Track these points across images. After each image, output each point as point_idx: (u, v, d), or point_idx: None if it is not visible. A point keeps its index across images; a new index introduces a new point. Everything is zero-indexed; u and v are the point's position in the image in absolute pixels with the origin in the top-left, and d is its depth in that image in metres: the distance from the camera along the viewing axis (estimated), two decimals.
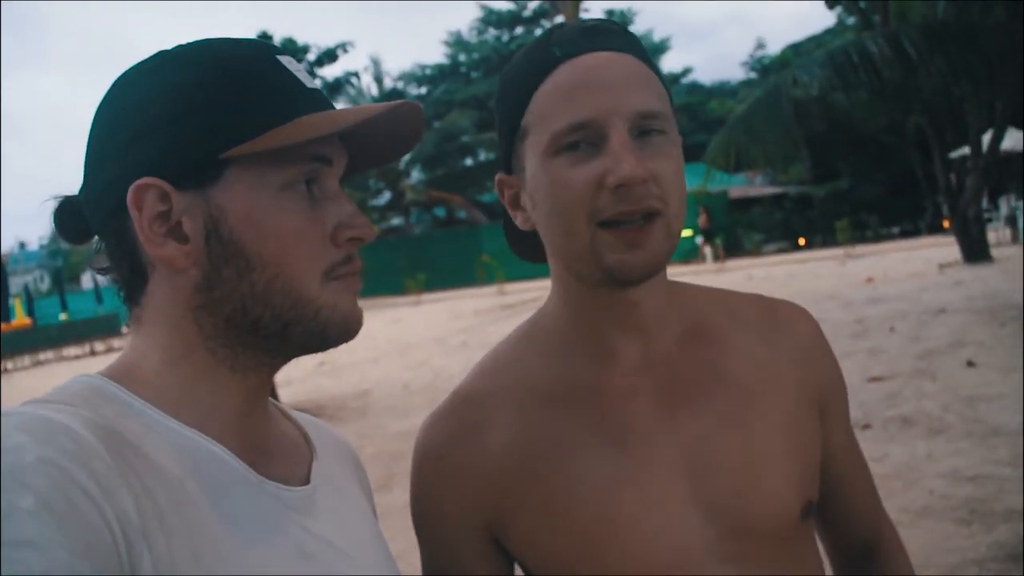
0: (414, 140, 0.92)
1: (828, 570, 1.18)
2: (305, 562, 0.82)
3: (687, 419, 1.02)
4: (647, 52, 1.01)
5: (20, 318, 28.23)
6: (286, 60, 0.85)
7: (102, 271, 0.87)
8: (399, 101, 0.84)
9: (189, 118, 0.79)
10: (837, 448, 1.13)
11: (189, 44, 0.85)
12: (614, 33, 0.99)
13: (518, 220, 1.05)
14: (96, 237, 0.87)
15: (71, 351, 24.87)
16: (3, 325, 23.82)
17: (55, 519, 0.62)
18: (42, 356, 24.29)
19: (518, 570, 1.10)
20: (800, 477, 1.03)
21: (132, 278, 0.84)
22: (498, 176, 1.06)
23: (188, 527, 0.73)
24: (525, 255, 1.18)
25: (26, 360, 23.76)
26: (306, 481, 0.90)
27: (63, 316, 33.02)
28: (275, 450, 0.90)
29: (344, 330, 0.85)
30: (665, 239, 0.95)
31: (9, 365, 23.01)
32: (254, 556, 0.77)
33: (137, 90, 0.82)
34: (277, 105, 0.81)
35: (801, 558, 1.06)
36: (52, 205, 0.88)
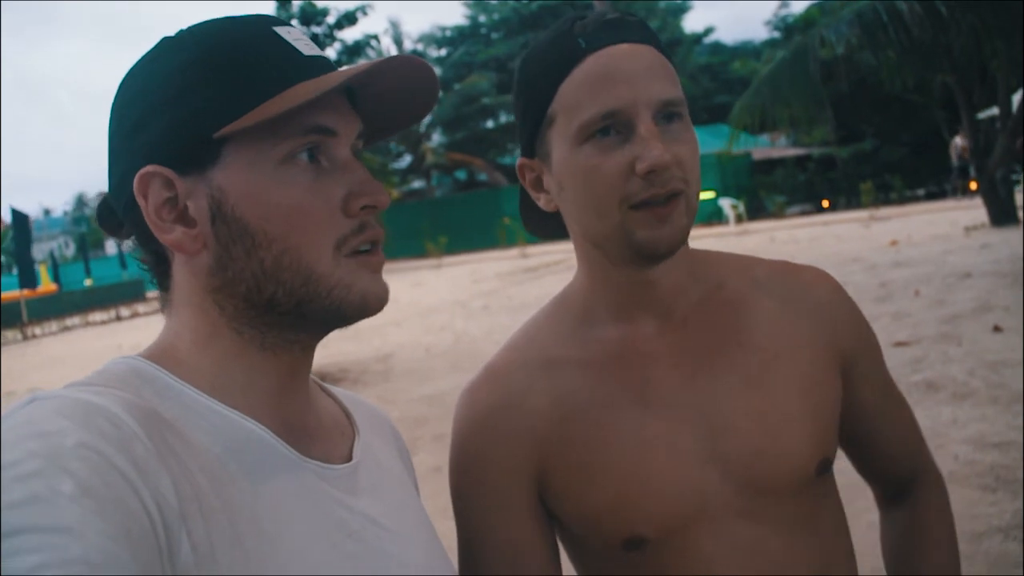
0: (431, 99, 0.90)
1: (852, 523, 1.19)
2: (348, 540, 0.82)
3: (706, 380, 1.08)
4: (661, 41, 1.07)
5: (46, 284, 28.57)
6: (284, 30, 0.83)
7: (140, 261, 0.88)
8: (394, 56, 0.82)
9: (181, 101, 0.79)
10: (868, 404, 1.18)
11: (188, 27, 0.84)
12: (634, 25, 1.04)
13: (541, 202, 1.11)
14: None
15: (97, 316, 25.14)
16: (29, 291, 24.10)
17: (94, 504, 0.62)
18: (68, 322, 24.58)
19: None
20: (815, 435, 1.08)
21: (157, 265, 0.85)
22: (520, 161, 1.12)
23: (228, 508, 0.73)
24: (538, 233, 1.25)
25: (53, 326, 24.04)
26: (348, 459, 0.90)
27: (88, 282, 33.42)
28: (316, 428, 0.89)
29: (362, 308, 0.84)
30: (686, 215, 1.02)
31: (37, 331, 23.30)
32: (296, 535, 0.77)
33: (139, 79, 0.83)
34: (268, 78, 0.80)
35: (817, 512, 1.11)
36: (96, 199, 0.89)
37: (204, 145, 0.78)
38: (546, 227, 1.23)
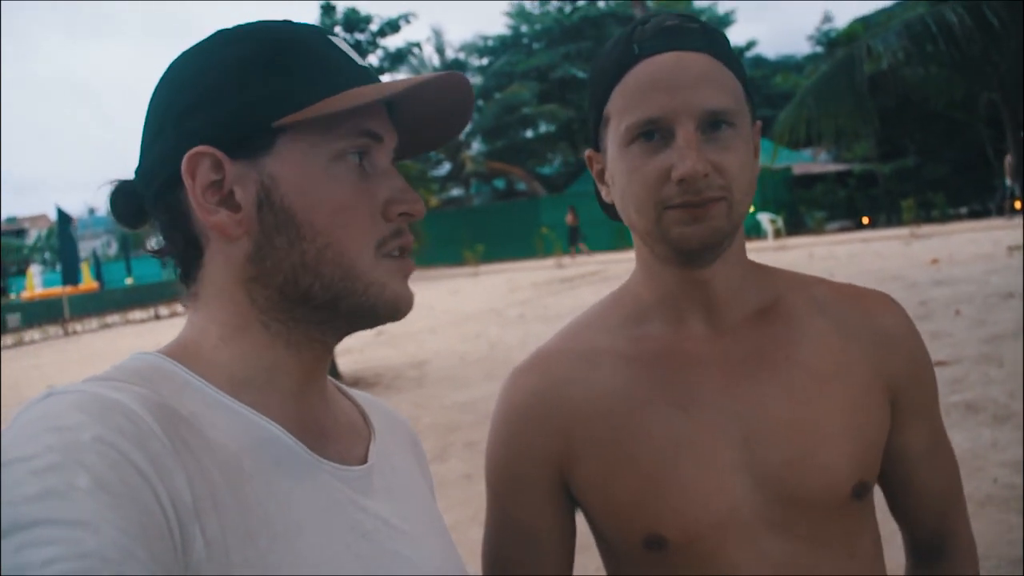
0: (466, 116, 0.93)
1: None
2: (362, 539, 0.82)
3: (748, 389, 1.08)
4: (727, 47, 1.08)
5: (88, 282, 28.99)
6: (338, 40, 0.87)
7: (156, 253, 0.88)
8: (446, 72, 0.84)
9: (242, 89, 0.81)
10: (913, 441, 1.16)
11: (245, 23, 0.86)
12: (694, 32, 1.05)
13: (603, 193, 1.16)
14: (152, 219, 0.88)
15: (136, 315, 25.49)
16: (71, 288, 24.47)
17: (110, 499, 0.62)
18: (108, 319, 24.93)
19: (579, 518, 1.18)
20: (854, 456, 1.07)
21: (187, 251, 0.85)
22: (588, 152, 1.17)
23: (242, 506, 0.73)
24: (615, 216, 1.26)
25: (94, 323, 24.40)
26: (364, 460, 0.90)
27: (129, 280, 33.88)
28: (333, 429, 0.90)
29: (394, 310, 0.86)
30: (725, 218, 1.03)
31: (78, 327, 23.65)
32: (309, 535, 0.77)
33: (194, 65, 0.84)
34: (328, 77, 0.83)
35: (850, 536, 1.09)
36: (108, 190, 0.89)
37: (260, 133, 0.80)
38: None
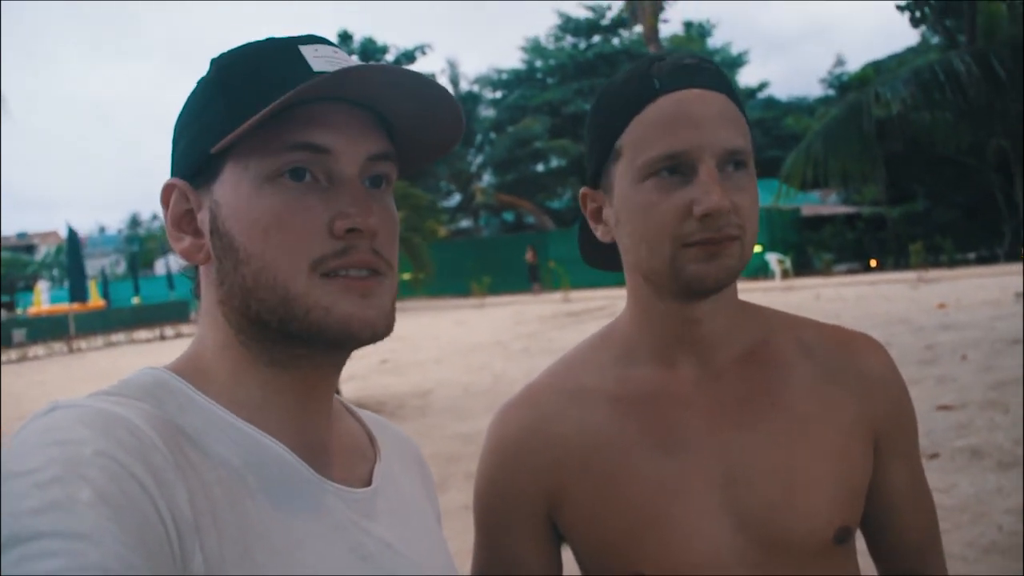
0: (456, 119, 0.87)
1: None
2: (361, 562, 0.82)
3: (733, 433, 1.08)
4: (736, 91, 1.08)
5: (95, 300, 29.06)
6: (311, 48, 0.83)
7: (184, 271, 0.92)
8: (369, 64, 0.78)
9: (197, 118, 0.84)
10: (894, 483, 1.15)
11: (231, 48, 0.88)
12: (710, 72, 1.05)
13: (599, 232, 1.13)
14: None
15: (141, 334, 25.52)
16: (78, 305, 24.54)
17: (112, 512, 0.62)
18: (114, 338, 24.97)
19: (566, 552, 1.17)
20: (837, 501, 1.07)
21: (196, 276, 0.89)
22: (583, 190, 1.15)
23: (242, 523, 0.73)
24: (594, 263, 1.30)
25: (99, 341, 24.43)
26: (368, 482, 0.90)
27: (136, 300, 33.96)
28: (337, 450, 0.90)
29: (346, 333, 0.80)
30: (738, 257, 1.03)
31: (83, 344, 23.66)
32: (309, 554, 0.77)
33: (188, 98, 0.88)
34: (263, 94, 0.79)
35: None
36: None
37: (208, 160, 0.82)
38: (600, 258, 1.27)
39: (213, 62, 0.86)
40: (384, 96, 0.82)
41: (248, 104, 0.79)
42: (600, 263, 1.28)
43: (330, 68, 0.81)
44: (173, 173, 0.86)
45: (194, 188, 0.84)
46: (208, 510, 0.71)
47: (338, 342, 0.81)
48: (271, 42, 0.85)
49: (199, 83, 0.86)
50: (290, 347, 0.82)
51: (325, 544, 0.79)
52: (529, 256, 29.70)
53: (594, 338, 1.21)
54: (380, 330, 0.82)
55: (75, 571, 0.58)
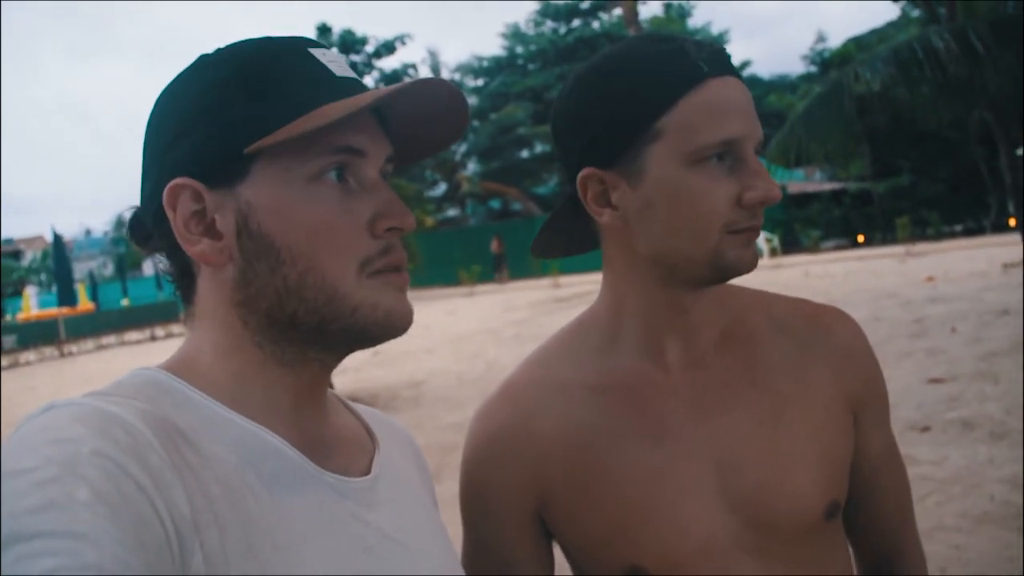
0: (461, 124, 0.90)
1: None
2: (364, 554, 0.82)
3: (719, 417, 1.08)
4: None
5: (84, 303, 28.90)
6: (319, 52, 0.85)
7: (166, 273, 0.89)
8: (421, 78, 0.81)
9: (214, 116, 0.81)
10: (871, 452, 1.17)
11: (225, 46, 0.86)
12: (732, 60, 1.05)
13: (604, 217, 1.06)
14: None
15: (132, 336, 25.44)
16: (67, 309, 24.45)
17: (109, 511, 0.62)
18: (104, 340, 24.90)
19: (557, 550, 1.17)
20: (825, 476, 1.08)
21: (183, 277, 0.86)
22: (587, 171, 1.05)
23: (243, 520, 0.73)
24: (545, 254, 1.22)
25: (89, 344, 24.35)
26: (367, 472, 0.90)
27: (125, 302, 33.83)
28: (335, 443, 0.90)
29: (388, 328, 0.84)
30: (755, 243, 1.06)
31: (74, 348, 23.59)
32: (311, 547, 0.77)
33: (174, 95, 0.84)
34: (299, 96, 0.81)
35: (825, 556, 1.10)
36: (129, 214, 0.90)
37: (234, 160, 0.80)
38: (556, 247, 1.22)
39: (214, 61, 0.84)
40: (411, 105, 0.85)
41: (285, 106, 0.80)
42: (551, 253, 1.22)
43: (342, 73, 0.84)
44: (173, 173, 0.81)
45: (209, 189, 0.81)
46: (207, 508, 0.71)
47: (375, 338, 0.84)
48: (280, 42, 0.85)
49: (200, 80, 0.83)
50: (309, 348, 0.84)
51: (328, 538, 0.80)
52: (495, 246, 30.06)
53: (570, 328, 1.19)
54: (410, 322, 0.86)
55: (72, 571, 0.58)
